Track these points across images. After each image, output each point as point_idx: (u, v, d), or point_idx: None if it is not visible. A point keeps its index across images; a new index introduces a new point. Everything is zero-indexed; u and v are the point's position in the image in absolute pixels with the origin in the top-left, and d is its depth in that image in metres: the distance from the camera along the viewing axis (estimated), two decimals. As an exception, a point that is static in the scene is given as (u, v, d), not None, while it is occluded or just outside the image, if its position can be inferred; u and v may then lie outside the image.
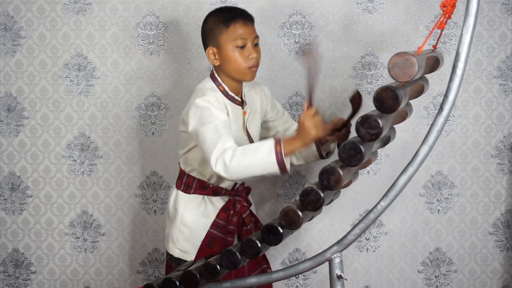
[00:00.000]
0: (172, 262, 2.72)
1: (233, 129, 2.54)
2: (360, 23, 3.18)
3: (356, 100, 2.52)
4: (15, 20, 3.19)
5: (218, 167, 2.32)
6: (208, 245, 2.64)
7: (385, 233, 3.33)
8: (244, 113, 2.65)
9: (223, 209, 2.66)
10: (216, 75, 2.61)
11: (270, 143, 2.30)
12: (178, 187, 2.71)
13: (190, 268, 2.39)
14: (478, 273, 3.37)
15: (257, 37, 2.58)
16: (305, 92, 2.54)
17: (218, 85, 2.60)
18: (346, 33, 3.18)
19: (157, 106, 3.23)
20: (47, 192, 3.30)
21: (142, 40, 3.20)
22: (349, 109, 2.58)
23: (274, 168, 2.29)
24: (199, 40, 3.12)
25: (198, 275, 2.34)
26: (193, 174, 2.66)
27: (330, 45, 3.19)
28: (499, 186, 3.31)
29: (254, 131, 2.71)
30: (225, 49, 2.53)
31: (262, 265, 2.81)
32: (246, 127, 2.67)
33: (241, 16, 2.54)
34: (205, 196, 2.67)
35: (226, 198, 2.69)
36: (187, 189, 2.68)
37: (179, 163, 2.72)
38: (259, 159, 2.29)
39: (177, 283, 2.37)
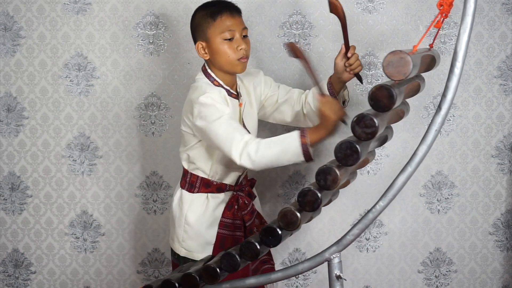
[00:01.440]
0: (180, 261, 2.71)
1: None
2: (360, 23, 3.18)
3: (337, 8, 2.53)
4: (15, 20, 3.19)
5: (243, 161, 2.37)
6: (221, 246, 2.64)
7: (385, 233, 3.33)
8: (240, 105, 2.66)
9: (227, 207, 2.66)
10: (209, 70, 2.62)
11: (295, 135, 2.32)
12: (182, 187, 2.71)
13: (190, 270, 2.38)
14: (478, 273, 3.37)
15: (245, 28, 2.59)
16: (313, 84, 2.53)
17: (213, 80, 2.60)
18: (346, 33, 3.18)
19: (157, 106, 3.23)
20: (47, 192, 3.30)
21: (142, 40, 3.20)
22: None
23: (300, 158, 2.32)
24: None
25: (197, 277, 2.34)
26: (196, 172, 2.66)
27: (330, 45, 3.19)
28: (499, 186, 3.30)
29: (250, 122, 2.70)
30: (214, 42, 2.54)
31: (265, 264, 2.80)
32: (242, 119, 2.67)
33: (228, 8, 2.56)
34: (208, 195, 2.66)
35: (230, 194, 2.69)
36: (191, 188, 2.67)
37: (182, 162, 2.72)
38: (285, 151, 2.32)
39: (177, 284, 2.36)
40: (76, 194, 3.31)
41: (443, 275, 3.37)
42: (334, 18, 3.16)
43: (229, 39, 2.54)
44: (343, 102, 2.71)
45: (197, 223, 2.65)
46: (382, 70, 1.99)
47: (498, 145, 3.27)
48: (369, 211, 2.22)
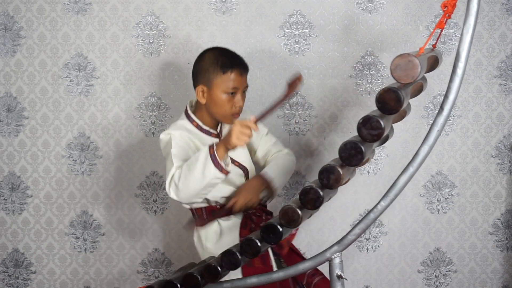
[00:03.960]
0: None
1: None
2: (360, 23, 3.18)
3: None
4: (15, 20, 3.19)
5: (171, 193, 2.44)
6: (249, 264, 2.60)
7: (385, 233, 3.33)
8: None
9: (242, 227, 2.64)
10: (191, 114, 2.66)
11: (205, 149, 2.38)
12: (196, 226, 2.70)
13: (191, 270, 2.38)
14: (478, 273, 3.37)
15: (247, 86, 2.65)
16: (269, 105, 2.51)
17: (192, 121, 2.65)
18: (346, 33, 3.18)
19: (157, 106, 3.23)
20: (47, 192, 3.30)
21: (142, 40, 3.20)
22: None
23: (214, 172, 2.36)
24: (199, 40, 3.14)
25: (199, 277, 2.33)
26: (197, 206, 2.66)
27: (330, 45, 3.19)
28: (499, 186, 3.31)
29: (238, 156, 2.70)
30: (216, 93, 2.59)
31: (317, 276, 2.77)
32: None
33: (239, 66, 2.60)
34: (219, 220, 2.65)
35: (240, 216, 2.67)
36: (202, 222, 2.66)
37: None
38: (200, 167, 2.37)
39: (179, 285, 2.36)
40: (76, 194, 3.31)
41: (443, 275, 3.37)
42: (334, 18, 3.17)
43: (231, 93, 2.58)
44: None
45: (217, 249, 2.59)
46: (390, 73, 1.99)
47: (498, 145, 3.27)
48: (370, 211, 2.22)
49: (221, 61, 2.58)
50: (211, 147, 2.38)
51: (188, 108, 2.68)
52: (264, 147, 2.85)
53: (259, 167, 2.81)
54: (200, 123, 2.65)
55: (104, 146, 3.27)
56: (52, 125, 3.25)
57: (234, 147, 2.35)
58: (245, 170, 2.71)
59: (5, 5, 3.18)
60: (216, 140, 2.64)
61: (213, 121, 2.68)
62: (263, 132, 2.85)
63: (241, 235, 2.62)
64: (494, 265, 3.37)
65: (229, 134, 2.36)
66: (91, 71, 3.22)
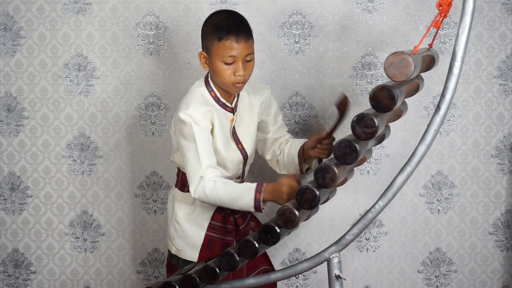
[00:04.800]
0: (172, 259, 2.72)
1: (219, 135, 2.56)
2: (360, 23, 3.18)
3: (343, 106, 2.52)
4: (15, 20, 3.19)
5: (197, 195, 2.45)
6: (208, 248, 2.63)
7: (385, 233, 3.33)
8: (232, 120, 2.64)
9: (217, 210, 2.64)
10: (210, 80, 2.60)
11: (252, 189, 2.41)
12: (176, 185, 2.73)
13: (190, 271, 2.39)
14: (478, 273, 3.37)
15: (250, 54, 2.52)
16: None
17: (210, 90, 2.59)
18: (346, 33, 3.18)
19: (157, 106, 3.23)
20: (47, 192, 3.31)
21: (142, 40, 3.20)
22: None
23: (250, 209, 2.44)
24: (199, 40, 3.13)
25: (197, 278, 2.34)
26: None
27: (330, 45, 3.19)
28: (499, 186, 3.30)
29: (245, 137, 2.69)
30: (214, 60, 2.51)
31: (261, 266, 2.79)
32: (232, 133, 2.65)
33: (235, 33, 2.47)
34: None
35: None
36: (182, 187, 2.68)
37: (174, 161, 2.71)
38: (239, 199, 2.42)
39: (177, 286, 2.36)
40: (76, 194, 3.31)
41: (443, 275, 3.36)
42: (334, 18, 3.17)
43: (229, 63, 2.50)
44: (307, 170, 2.75)
45: (184, 222, 2.65)
46: (384, 71, 1.99)
47: (498, 145, 3.27)
48: (368, 211, 2.23)
49: (218, 28, 2.48)
50: (258, 191, 2.40)
51: (209, 76, 2.61)
52: (278, 131, 2.83)
53: (262, 145, 2.84)
54: (218, 93, 2.59)
55: (104, 146, 3.27)
56: (52, 125, 3.25)
57: (285, 203, 2.33)
58: (245, 157, 2.68)
59: (5, 5, 3.18)
60: (229, 114, 2.62)
61: (226, 92, 2.61)
62: (278, 113, 2.84)
63: (213, 218, 2.65)
64: (494, 265, 3.36)
65: (279, 192, 2.38)
66: (91, 71, 3.22)
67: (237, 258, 2.28)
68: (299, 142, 2.72)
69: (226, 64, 2.49)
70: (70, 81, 3.23)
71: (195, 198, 2.45)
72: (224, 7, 3.14)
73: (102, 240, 3.35)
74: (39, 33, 3.20)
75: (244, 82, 2.55)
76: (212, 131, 2.53)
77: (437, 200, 3.30)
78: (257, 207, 2.40)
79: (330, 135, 2.58)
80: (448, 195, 3.30)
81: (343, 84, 3.21)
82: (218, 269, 2.30)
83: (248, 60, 2.53)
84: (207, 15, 3.12)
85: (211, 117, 2.52)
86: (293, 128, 3.24)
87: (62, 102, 3.24)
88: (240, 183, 2.68)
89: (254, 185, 2.42)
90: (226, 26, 2.48)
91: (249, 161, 2.74)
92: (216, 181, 2.42)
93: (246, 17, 3.14)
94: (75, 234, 3.34)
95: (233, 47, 2.47)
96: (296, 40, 3.19)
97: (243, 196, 2.41)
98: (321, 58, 3.20)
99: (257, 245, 2.25)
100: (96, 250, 3.36)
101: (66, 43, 3.20)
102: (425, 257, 3.35)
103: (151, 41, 3.20)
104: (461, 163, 3.28)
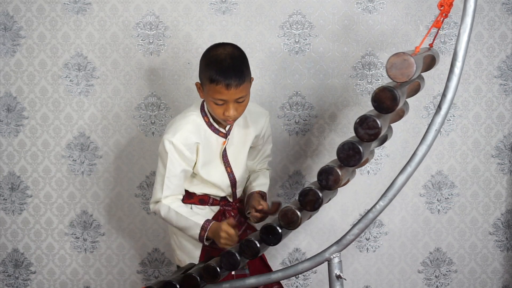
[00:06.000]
0: (178, 268, 2.72)
1: (209, 157, 2.59)
2: (360, 23, 3.18)
3: (275, 209, 2.60)
4: (15, 20, 3.19)
5: (152, 211, 2.62)
6: (206, 260, 2.61)
7: (385, 233, 3.33)
8: (224, 143, 2.62)
9: (213, 219, 2.63)
10: (206, 105, 2.57)
11: (199, 225, 2.52)
12: None
13: (190, 271, 2.38)
14: (478, 273, 3.37)
15: (241, 97, 2.45)
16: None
17: (204, 115, 2.58)
18: (346, 33, 3.18)
19: (157, 106, 3.23)
20: (47, 192, 3.30)
21: (142, 40, 3.20)
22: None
23: (194, 239, 2.57)
24: (199, 40, 3.15)
25: (198, 278, 2.34)
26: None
27: (330, 45, 3.19)
28: (499, 186, 3.30)
29: (235, 162, 2.67)
30: (206, 96, 2.49)
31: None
32: (223, 156, 2.64)
33: (226, 79, 2.39)
34: (192, 206, 2.65)
35: (216, 209, 2.68)
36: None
37: None
38: (186, 229, 2.55)
39: (178, 286, 2.36)
40: (76, 194, 3.31)
41: (443, 275, 3.37)
42: (334, 18, 3.17)
43: (220, 104, 2.45)
44: (249, 213, 2.73)
45: (180, 234, 2.66)
46: (386, 72, 1.99)
47: (498, 145, 3.27)
48: (369, 211, 2.22)
49: (211, 69, 2.42)
50: (203, 229, 2.51)
51: (206, 101, 2.57)
52: (261, 163, 2.88)
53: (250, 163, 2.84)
54: (211, 119, 2.57)
55: (104, 146, 3.27)
56: (52, 125, 3.25)
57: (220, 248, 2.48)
58: (232, 180, 2.67)
59: (5, 5, 3.18)
60: (221, 138, 2.61)
61: None
62: (269, 141, 2.86)
63: None
64: (494, 265, 3.36)
65: (217, 235, 2.47)
66: (91, 71, 3.22)
67: (238, 258, 2.28)
68: (257, 186, 2.77)
69: (217, 104, 2.45)
70: (70, 81, 3.22)
71: (150, 210, 2.63)
72: (224, 7, 3.14)
73: (102, 240, 3.35)
74: (39, 33, 3.19)
75: (235, 120, 2.52)
76: (196, 161, 2.59)
77: (437, 200, 3.30)
78: (201, 242, 2.54)
79: (260, 211, 2.62)
80: (448, 195, 3.30)
81: (343, 84, 3.21)
82: (219, 269, 2.30)
83: (240, 101, 2.47)
84: (207, 15, 3.15)
85: (195, 149, 2.55)
86: (293, 128, 3.24)
87: (62, 102, 3.24)
88: (233, 203, 2.72)
89: (201, 222, 2.51)
90: (219, 70, 2.41)
91: (240, 185, 2.72)
92: (170, 208, 2.55)
93: (246, 17, 3.15)
94: (75, 234, 3.34)
95: (223, 92, 2.41)
96: (296, 40, 3.19)
97: (190, 229, 2.53)
98: (321, 58, 3.19)
99: (258, 245, 2.25)
100: (96, 250, 3.35)
101: (66, 43, 3.20)
102: (425, 257, 3.35)
103: (151, 41, 3.20)
104: (461, 163, 3.28)
